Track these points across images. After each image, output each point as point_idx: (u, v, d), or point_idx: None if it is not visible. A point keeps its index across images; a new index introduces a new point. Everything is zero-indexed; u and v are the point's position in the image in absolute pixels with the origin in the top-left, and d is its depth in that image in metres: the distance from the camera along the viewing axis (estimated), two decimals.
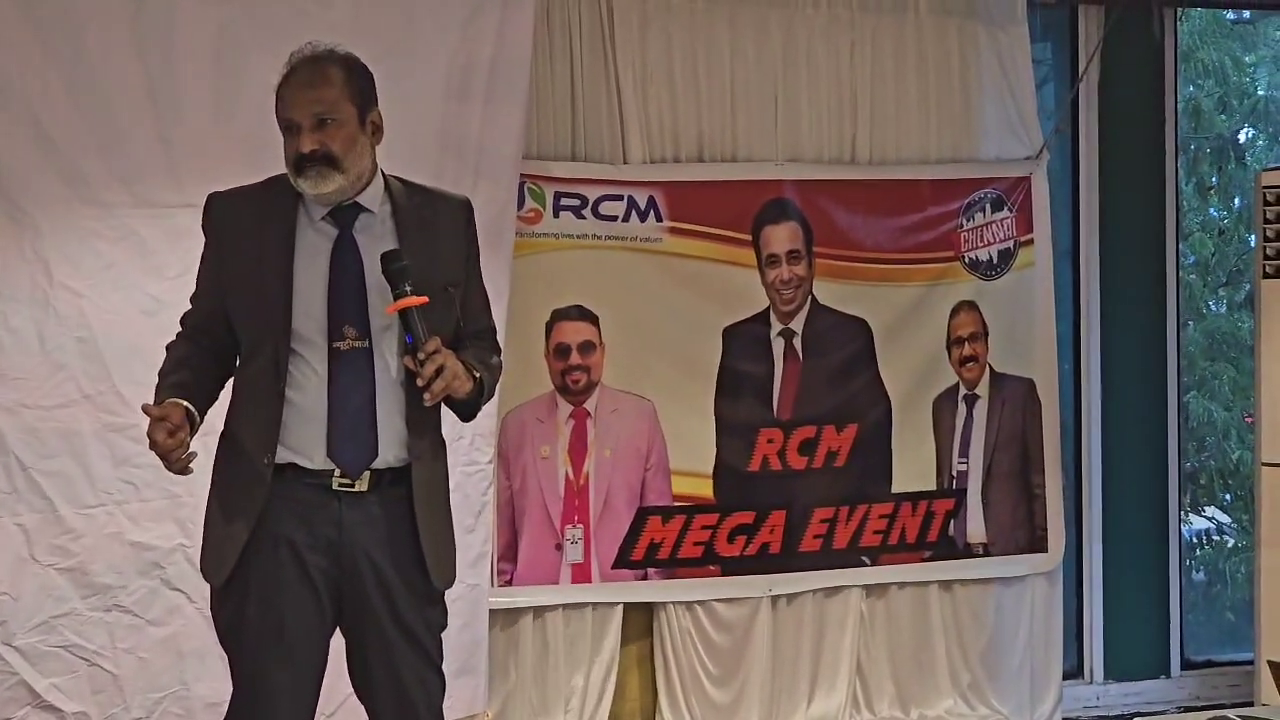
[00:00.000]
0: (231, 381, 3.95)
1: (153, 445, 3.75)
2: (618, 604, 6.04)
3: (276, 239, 3.84)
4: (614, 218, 5.96)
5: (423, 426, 3.90)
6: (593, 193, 5.94)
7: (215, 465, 3.94)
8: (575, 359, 5.93)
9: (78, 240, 5.14)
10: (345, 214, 3.87)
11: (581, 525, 5.96)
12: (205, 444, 5.10)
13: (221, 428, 3.96)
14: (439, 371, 3.73)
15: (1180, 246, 7.03)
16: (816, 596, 6.27)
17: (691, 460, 6.08)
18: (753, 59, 6.18)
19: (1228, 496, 8.27)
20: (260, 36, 5.31)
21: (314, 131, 3.79)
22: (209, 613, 5.10)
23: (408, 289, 3.74)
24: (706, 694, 6.14)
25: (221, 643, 3.97)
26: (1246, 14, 8.36)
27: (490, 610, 5.69)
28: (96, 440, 5.15)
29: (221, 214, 3.95)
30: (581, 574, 5.97)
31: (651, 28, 6.04)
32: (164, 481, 5.15)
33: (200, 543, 3.98)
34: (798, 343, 6.22)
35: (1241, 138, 8.70)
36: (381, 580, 3.85)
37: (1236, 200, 8.51)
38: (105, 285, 5.17)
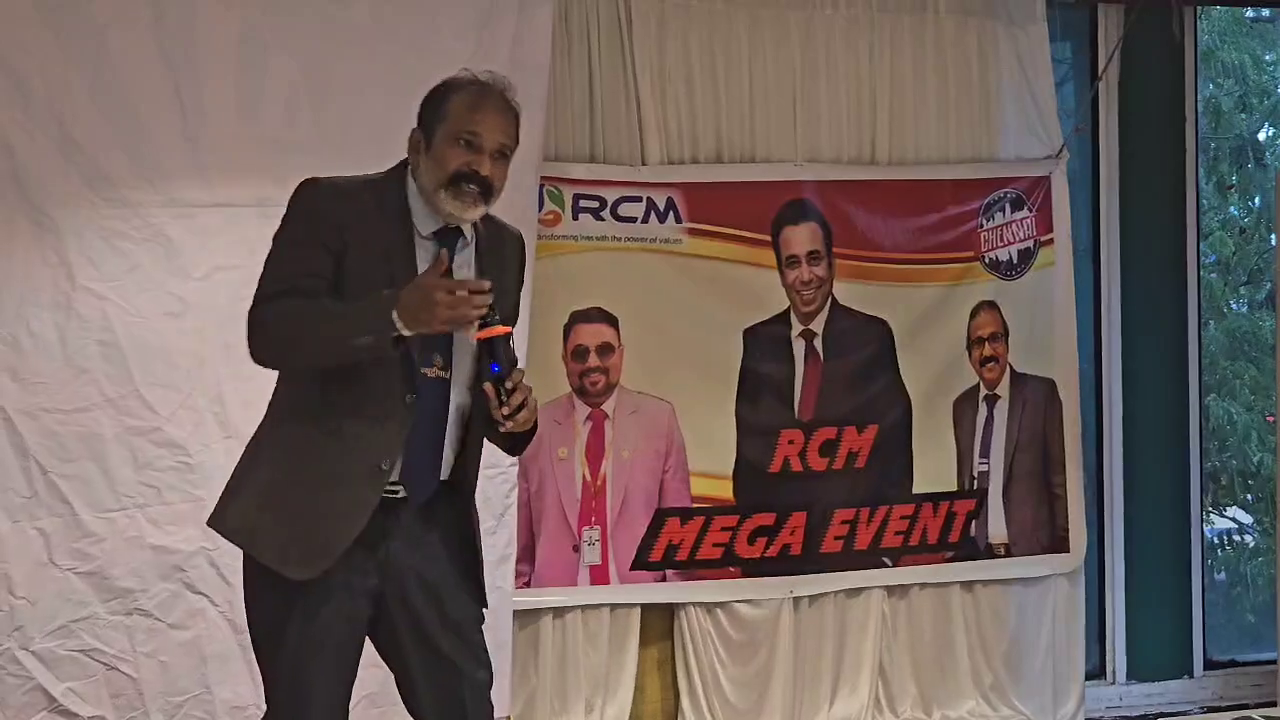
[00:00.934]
0: (318, 373, 3.78)
1: (458, 313, 3.60)
2: (636, 605, 6.05)
3: (400, 246, 3.79)
4: (633, 219, 5.96)
5: (476, 452, 3.93)
6: (612, 194, 5.94)
7: (292, 445, 3.80)
8: (593, 361, 5.93)
9: (102, 241, 5.15)
10: (449, 236, 3.83)
11: (599, 527, 5.96)
12: (228, 447, 5.21)
13: (289, 412, 3.83)
14: (523, 402, 3.72)
15: (1200, 246, 7.00)
16: (838, 598, 6.26)
17: (711, 462, 6.08)
18: (771, 60, 6.18)
19: (1249, 498, 8.25)
20: (282, 36, 5.36)
21: (494, 160, 3.77)
22: (231, 615, 5.16)
23: (497, 317, 3.69)
24: (727, 696, 6.13)
25: (265, 638, 3.85)
26: (1266, 12, 8.33)
27: None
28: (118, 444, 5.16)
29: (335, 203, 3.79)
30: (600, 575, 5.97)
31: (669, 29, 6.04)
32: (186, 485, 5.19)
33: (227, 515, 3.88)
34: (818, 343, 6.21)
35: (1261, 137, 8.67)
36: (428, 586, 3.87)
37: (1257, 199, 8.49)
38: (129, 287, 5.18)
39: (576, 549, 5.93)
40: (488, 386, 3.71)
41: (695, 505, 6.06)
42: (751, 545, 6.13)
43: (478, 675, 3.97)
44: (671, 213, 6.00)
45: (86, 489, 5.14)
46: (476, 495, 4.01)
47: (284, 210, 5.24)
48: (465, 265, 3.86)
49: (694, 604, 6.09)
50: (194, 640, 5.22)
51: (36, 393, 5.10)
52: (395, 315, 3.57)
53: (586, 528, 5.94)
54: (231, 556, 5.12)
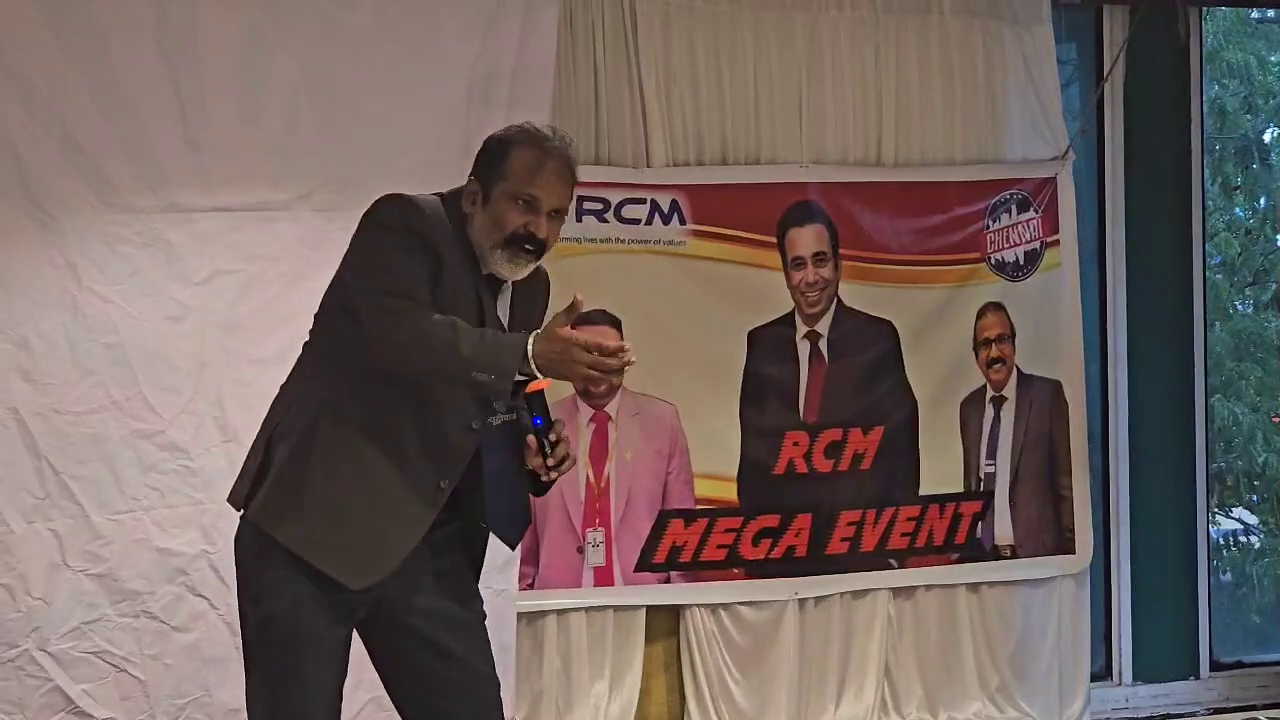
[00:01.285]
0: (388, 383, 3.76)
1: (600, 374, 3.61)
2: (640, 607, 6.04)
3: (473, 277, 3.79)
4: (637, 221, 5.96)
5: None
6: (615, 196, 5.94)
7: (340, 454, 3.77)
8: None
9: (104, 246, 5.16)
10: (496, 281, 3.84)
11: (603, 528, 5.96)
12: (228, 451, 5.21)
13: (347, 419, 3.80)
14: (566, 455, 3.76)
15: (1206, 247, 6.99)
16: (844, 599, 6.26)
17: (715, 463, 6.08)
18: (777, 61, 6.17)
19: (1254, 498, 8.25)
20: (285, 40, 5.36)
21: (549, 220, 3.78)
22: (230, 619, 5.17)
23: (539, 372, 3.66)
24: (733, 697, 6.13)
25: (250, 642, 3.86)
26: (1271, 13, 8.33)
27: None
28: (125, 446, 5.18)
29: (428, 220, 3.75)
30: (604, 577, 5.97)
31: (674, 30, 6.04)
32: (187, 489, 5.21)
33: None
34: (823, 345, 6.21)
35: (1267, 137, 8.67)
36: (438, 584, 3.90)
37: (1262, 200, 8.49)
38: (132, 291, 5.19)
39: (580, 551, 5.93)
40: (531, 440, 3.74)
41: (699, 507, 6.06)
42: (756, 547, 6.12)
43: (489, 673, 3.99)
44: (676, 215, 6.00)
45: (96, 490, 5.15)
46: None
47: (285, 214, 5.26)
48: (503, 306, 3.88)
49: (698, 605, 6.09)
50: (195, 643, 5.23)
51: (47, 393, 5.11)
52: (531, 358, 3.55)
53: (590, 529, 5.94)
54: (231, 561, 5.17)
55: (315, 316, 3.94)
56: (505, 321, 3.87)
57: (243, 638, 3.90)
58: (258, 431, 3.93)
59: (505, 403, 3.79)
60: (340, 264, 3.85)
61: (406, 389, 3.74)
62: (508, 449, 3.84)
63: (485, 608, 4.06)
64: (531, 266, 3.81)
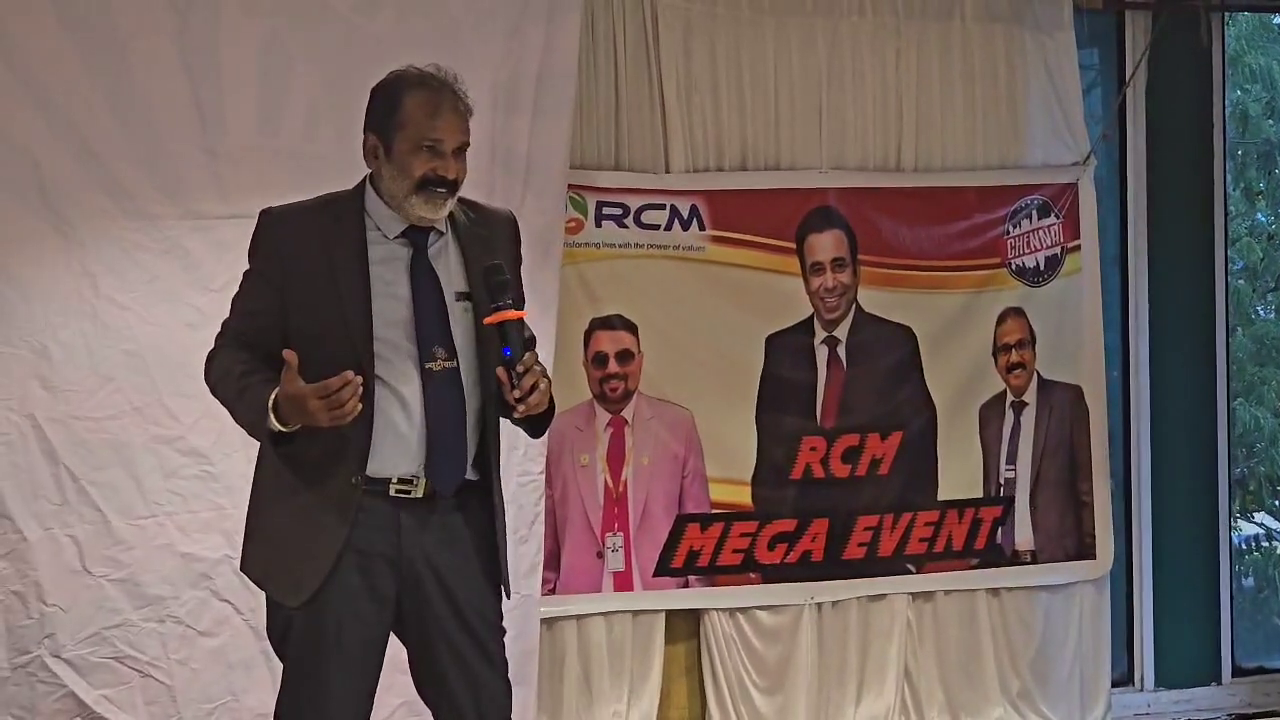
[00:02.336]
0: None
1: (339, 411, 3.64)
2: (660, 611, 6.05)
3: (349, 260, 3.82)
4: (656, 227, 5.96)
5: (494, 441, 3.94)
6: (635, 202, 5.95)
7: (268, 482, 3.90)
8: (613, 367, 5.94)
9: (122, 253, 5.17)
10: (419, 234, 3.87)
11: (621, 533, 5.97)
12: (250, 455, 5.22)
13: (264, 447, 3.90)
14: (534, 385, 3.75)
15: (1228, 252, 6.98)
16: (861, 603, 6.26)
17: (731, 468, 6.08)
18: (797, 67, 6.18)
19: (1276, 503, 8.23)
20: (305, 48, 5.36)
21: (456, 159, 3.83)
22: (255, 623, 5.18)
23: (509, 301, 3.76)
24: (753, 701, 6.14)
25: (278, 650, 3.94)
26: None
27: None
28: (146, 452, 5.19)
29: (281, 232, 3.87)
30: (623, 582, 5.98)
31: (695, 36, 6.05)
32: (209, 494, 5.22)
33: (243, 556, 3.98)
34: (842, 350, 6.21)
35: None
36: (445, 589, 3.87)
37: None
38: (150, 298, 5.20)
39: (600, 555, 5.94)
40: (500, 371, 3.75)
41: (715, 511, 6.06)
42: (771, 551, 6.13)
43: (495, 684, 3.98)
44: (695, 220, 6.01)
45: (117, 496, 5.16)
46: (510, 504, 4.03)
47: None
48: (441, 256, 3.90)
49: (716, 610, 6.10)
50: (221, 648, 5.24)
51: (67, 400, 5.12)
52: (272, 417, 3.68)
53: (609, 534, 5.95)
54: None
55: None
56: (455, 275, 3.87)
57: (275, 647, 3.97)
58: None
59: (445, 346, 3.82)
60: None
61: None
62: (450, 395, 3.84)
63: (512, 613, 4.09)
64: (451, 203, 3.84)
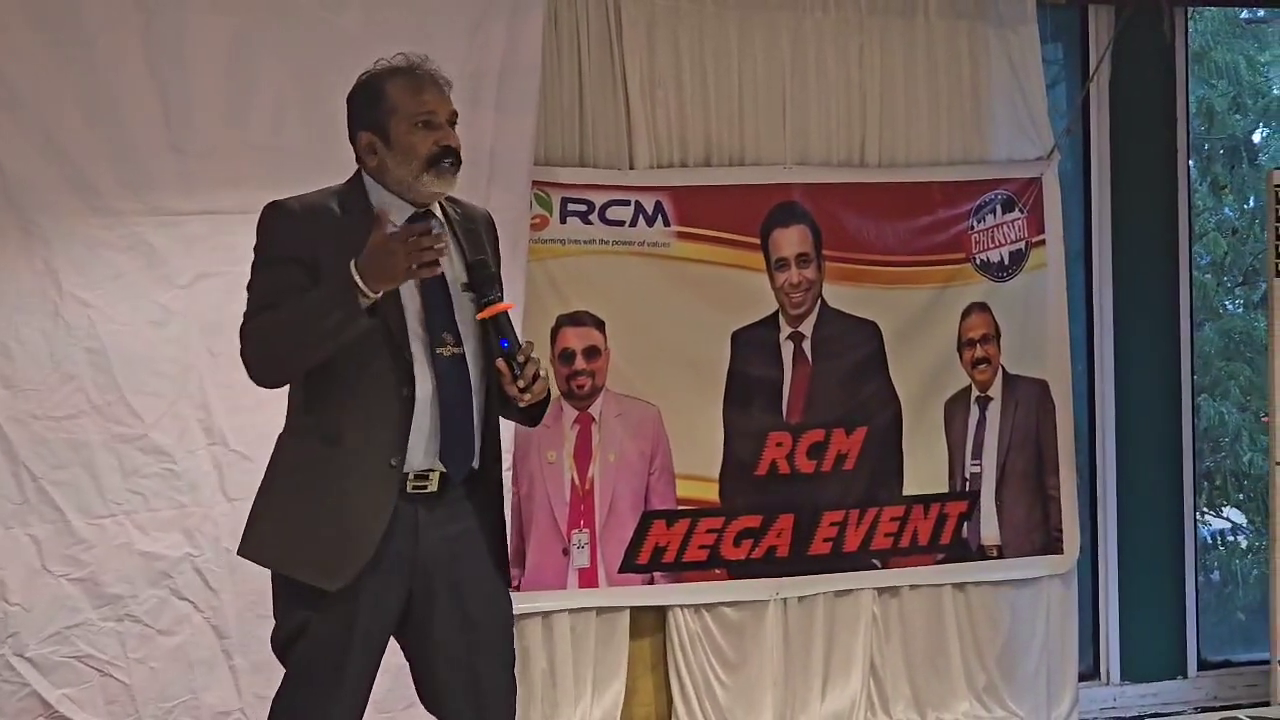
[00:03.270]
0: (311, 384, 3.83)
1: (421, 255, 3.63)
2: (625, 608, 6.05)
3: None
4: (621, 223, 5.96)
5: (495, 430, 3.97)
6: (600, 198, 5.95)
7: (294, 465, 3.86)
8: (580, 364, 5.93)
9: (87, 250, 5.16)
10: (421, 222, 3.87)
11: (587, 530, 5.96)
12: (213, 454, 5.22)
13: (291, 430, 3.90)
14: (536, 374, 3.77)
15: (1194, 247, 6.99)
16: (828, 598, 6.26)
17: (697, 464, 6.08)
18: (761, 62, 6.17)
19: (1242, 497, 8.25)
20: (272, 44, 5.36)
21: (451, 129, 3.87)
22: (216, 622, 5.18)
23: (499, 294, 3.79)
24: (718, 697, 6.13)
25: (282, 648, 3.89)
26: (1261, 13, 8.32)
27: None
28: (106, 451, 5.18)
29: (300, 221, 3.83)
30: (588, 578, 5.97)
31: (659, 32, 6.04)
32: (171, 492, 5.21)
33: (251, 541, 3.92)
34: (807, 346, 6.21)
35: (1256, 138, 8.67)
36: (458, 595, 3.89)
37: (1251, 200, 8.48)
38: (114, 295, 5.19)
39: (566, 552, 5.94)
40: (500, 363, 3.77)
41: (681, 507, 6.06)
42: (737, 547, 6.13)
43: (503, 677, 4.00)
44: (660, 216, 6.00)
45: (77, 495, 5.15)
46: None
47: None
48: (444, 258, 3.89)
49: (682, 606, 6.10)
50: (181, 646, 5.24)
51: (27, 399, 5.11)
52: (358, 279, 3.61)
53: (575, 531, 5.94)
54: (216, 564, 5.21)
55: None
56: (456, 264, 3.90)
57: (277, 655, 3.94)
58: None
59: (452, 333, 3.84)
60: None
61: (329, 382, 3.78)
62: (459, 381, 3.86)
63: None
64: (455, 180, 3.87)
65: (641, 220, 5.99)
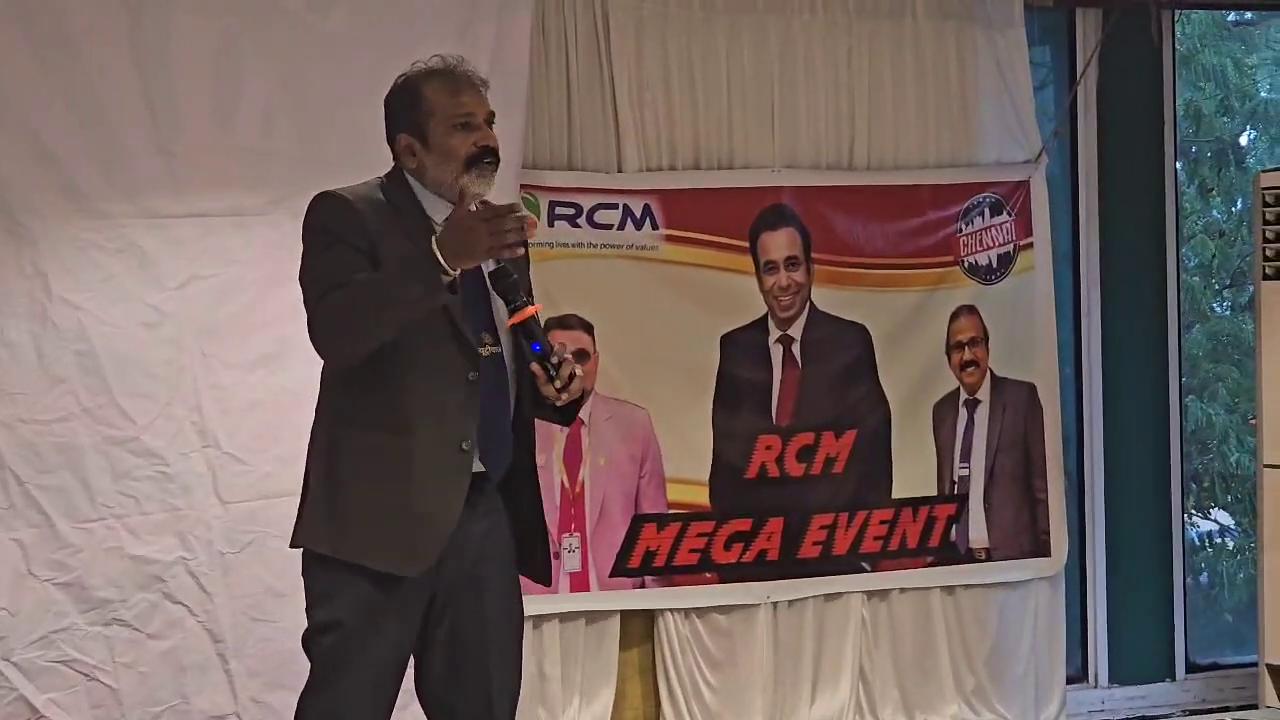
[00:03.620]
0: (373, 372, 3.78)
1: (503, 237, 3.61)
2: (615, 612, 6.05)
3: (424, 234, 3.80)
4: (609, 226, 5.95)
5: (528, 432, 4.03)
6: (588, 201, 5.94)
7: (359, 454, 3.82)
8: None
9: (76, 252, 5.15)
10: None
11: (578, 534, 5.96)
12: (206, 456, 5.22)
13: (352, 418, 3.85)
14: (572, 373, 3.79)
15: (1181, 250, 7.00)
16: (817, 602, 6.26)
17: (687, 468, 6.08)
18: (749, 65, 6.17)
19: (1229, 498, 8.27)
20: (258, 47, 5.36)
21: (489, 128, 3.88)
22: (209, 625, 5.18)
23: (525, 299, 3.79)
24: (707, 701, 6.13)
25: (327, 636, 3.84)
26: (1248, 15, 8.34)
27: None
28: (96, 454, 5.16)
29: (359, 210, 3.82)
30: (579, 583, 5.97)
31: (647, 35, 6.04)
32: (163, 495, 5.21)
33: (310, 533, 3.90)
34: (796, 349, 6.21)
35: (1243, 140, 8.69)
36: (478, 579, 3.91)
37: (1239, 202, 8.50)
38: (104, 297, 5.18)
39: (557, 556, 5.93)
40: (535, 366, 3.78)
41: (671, 511, 6.06)
42: (728, 551, 6.12)
43: (511, 680, 4.03)
44: (648, 219, 6.00)
45: (64, 499, 5.13)
46: None
47: (260, 219, 5.26)
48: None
49: (672, 610, 6.09)
50: (172, 650, 5.22)
51: (14, 403, 5.10)
52: (439, 255, 3.59)
53: (566, 535, 5.93)
54: (210, 567, 5.20)
55: None
56: (488, 265, 3.88)
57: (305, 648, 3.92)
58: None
59: (491, 333, 3.86)
60: None
61: (396, 369, 3.77)
62: (499, 380, 3.89)
63: None
64: (494, 180, 3.87)
65: (630, 223, 5.99)
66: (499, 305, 3.87)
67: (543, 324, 3.91)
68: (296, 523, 3.91)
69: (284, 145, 5.35)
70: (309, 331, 3.76)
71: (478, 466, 3.87)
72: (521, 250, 3.69)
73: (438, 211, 3.85)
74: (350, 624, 3.81)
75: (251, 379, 5.31)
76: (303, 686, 3.90)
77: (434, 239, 3.61)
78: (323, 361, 3.80)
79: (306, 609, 3.90)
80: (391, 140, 3.94)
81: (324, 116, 5.38)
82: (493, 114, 3.92)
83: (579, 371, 3.82)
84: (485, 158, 3.84)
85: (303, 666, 5.19)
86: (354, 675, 3.82)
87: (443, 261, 3.58)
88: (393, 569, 3.79)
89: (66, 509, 5.13)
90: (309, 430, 5.08)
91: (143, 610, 5.21)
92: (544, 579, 4.13)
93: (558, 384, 3.77)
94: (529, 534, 4.05)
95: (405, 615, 3.86)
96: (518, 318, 3.79)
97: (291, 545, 3.92)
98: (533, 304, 3.81)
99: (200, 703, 5.25)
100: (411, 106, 3.88)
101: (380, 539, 3.80)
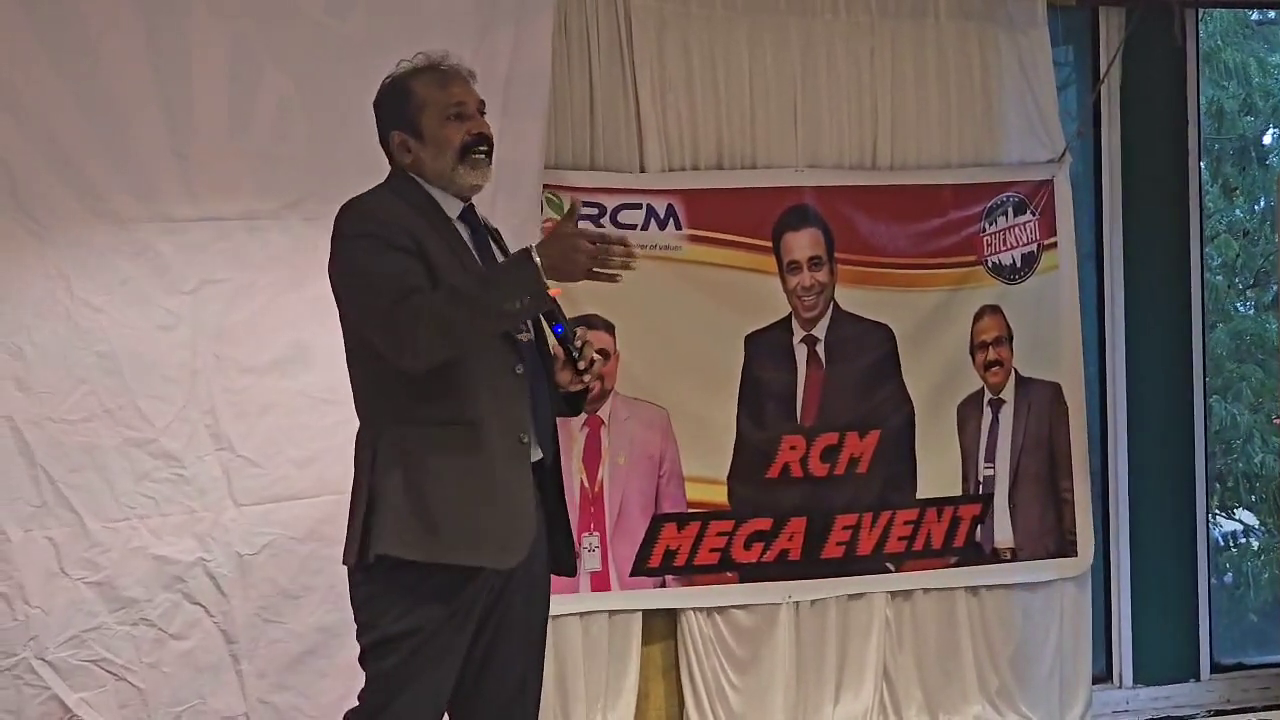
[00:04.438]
0: (434, 372, 3.79)
1: (605, 262, 3.64)
2: (637, 611, 6.05)
3: (456, 242, 3.87)
4: (633, 226, 5.94)
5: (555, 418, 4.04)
6: (611, 201, 5.95)
7: (432, 453, 3.81)
8: None
9: (94, 255, 5.17)
10: (472, 216, 3.95)
11: (598, 533, 5.96)
12: (221, 459, 5.22)
13: (413, 418, 3.85)
14: (593, 357, 3.84)
15: (1205, 249, 6.98)
16: (840, 602, 6.26)
17: (707, 467, 6.07)
18: (772, 65, 6.17)
19: (1252, 498, 8.25)
20: (275, 50, 5.36)
21: (481, 117, 3.93)
22: (225, 626, 5.20)
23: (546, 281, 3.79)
24: (730, 701, 6.13)
25: (376, 645, 3.85)
26: (1272, 14, 8.32)
27: None
28: (118, 454, 5.18)
29: (396, 211, 3.85)
30: (600, 582, 5.97)
31: (669, 35, 6.04)
32: (181, 497, 5.23)
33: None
34: (820, 349, 6.20)
35: (1266, 139, 8.67)
36: (533, 570, 3.96)
37: (1262, 201, 8.49)
38: (122, 301, 5.20)
39: (577, 555, 5.92)
40: (558, 347, 3.84)
41: (691, 511, 6.06)
42: (748, 550, 6.12)
43: (539, 681, 4.09)
44: (671, 220, 6.00)
45: (92, 498, 5.15)
46: None
47: (274, 222, 5.25)
48: (495, 250, 4.00)
49: (693, 609, 6.09)
50: (191, 651, 5.24)
51: (42, 402, 5.12)
52: (538, 262, 3.60)
53: (586, 534, 5.93)
54: (227, 568, 5.21)
55: (347, 365, 3.99)
56: (501, 256, 3.95)
57: (361, 659, 3.92)
58: (351, 493, 3.96)
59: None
60: (336, 299, 3.93)
61: (457, 365, 3.78)
62: (534, 366, 3.93)
63: None
64: (490, 166, 3.92)
65: (653, 223, 5.99)
66: None
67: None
68: (363, 535, 3.84)
69: (298, 149, 5.36)
70: (385, 333, 3.72)
71: (535, 454, 3.91)
72: (618, 281, 3.69)
73: (450, 207, 3.90)
74: (429, 630, 3.81)
75: (265, 382, 5.32)
76: (360, 704, 3.91)
77: (534, 249, 3.61)
78: (398, 362, 3.74)
79: (369, 623, 3.88)
80: (384, 140, 3.98)
81: (339, 120, 5.37)
82: (483, 103, 3.97)
83: (598, 357, 3.87)
84: (479, 145, 3.89)
85: (309, 670, 5.29)
86: (427, 678, 3.84)
87: (540, 271, 3.60)
88: (491, 563, 3.82)
89: (95, 508, 5.15)
90: (322, 434, 5.13)
91: (166, 610, 5.23)
92: (569, 571, 4.16)
93: (581, 365, 3.82)
94: (555, 525, 4.07)
95: (473, 614, 3.88)
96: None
97: (357, 560, 3.87)
98: (553, 287, 3.81)
99: (215, 703, 5.27)
100: (402, 103, 3.93)
101: (476, 536, 3.81)
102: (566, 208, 5.83)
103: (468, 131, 3.88)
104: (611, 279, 3.67)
